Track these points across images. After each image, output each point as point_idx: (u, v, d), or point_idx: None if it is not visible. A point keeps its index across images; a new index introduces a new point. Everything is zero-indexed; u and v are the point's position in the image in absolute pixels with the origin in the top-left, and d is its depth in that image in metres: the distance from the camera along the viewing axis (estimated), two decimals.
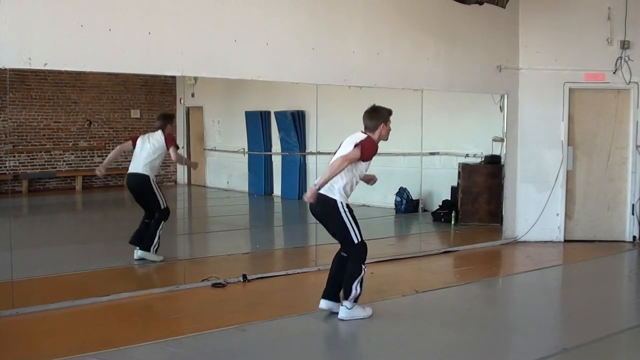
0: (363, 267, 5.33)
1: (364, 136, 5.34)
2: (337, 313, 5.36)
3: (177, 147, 7.56)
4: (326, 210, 5.34)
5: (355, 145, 5.24)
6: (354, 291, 5.28)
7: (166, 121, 7.60)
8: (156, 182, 7.48)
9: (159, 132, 7.47)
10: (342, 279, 5.41)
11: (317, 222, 5.65)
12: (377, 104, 5.52)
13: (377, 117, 5.40)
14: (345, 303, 5.32)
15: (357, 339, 5.22)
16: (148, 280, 6.99)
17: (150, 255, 7.32)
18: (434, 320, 5.60)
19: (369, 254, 5.46)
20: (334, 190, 5.27)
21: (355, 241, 5.31)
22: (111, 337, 4.94)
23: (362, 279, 5.31)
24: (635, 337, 5.28)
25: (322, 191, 5.26)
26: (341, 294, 5.42)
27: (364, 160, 5.30)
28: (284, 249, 9.12)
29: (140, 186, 7.42)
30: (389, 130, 5.46)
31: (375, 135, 5.38)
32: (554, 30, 8.76)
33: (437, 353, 4.78)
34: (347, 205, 5.32)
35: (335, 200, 5.26)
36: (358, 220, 5.39)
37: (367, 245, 5.38)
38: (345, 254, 5.44)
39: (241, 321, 5.26)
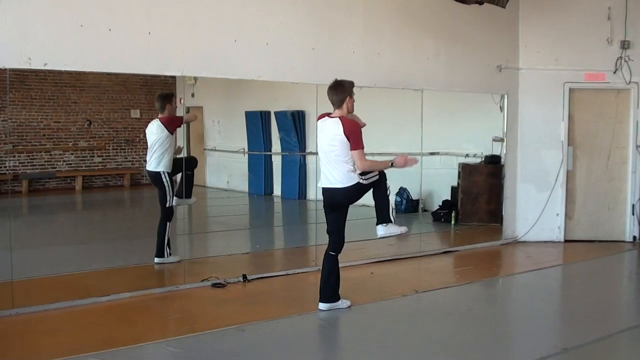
0: (388, 187, 5.57)
1: (338, 122, 5.35)
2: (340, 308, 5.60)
3: (180, 124, 7.41)
4: (349, 196, 5.48)
5: (348, 138, 5.31)
6: (391, 211, 5.54)
7: (165, 102, 7.31)
8: (169, 176, 7.30)
9: (156, 121, 7.29)
10: (335, 280, 5.52)
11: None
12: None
13: (342, 91, 5.44)
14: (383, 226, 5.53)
15: (357, 339, 5.21)
16: (148, 280, 6.98)
17: (166, 259, 7.27)
18: (434, 320, 5.60)
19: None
20: (353, 178, 5.39)
21: (377, 177, 5.46)
22: (111, 337, 4.94)
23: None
24: (635, 337, 5.28)
25: (336, 185, 5.40)
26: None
27: (361, 148, 5.37)
28: (284, 249, 9.11)
29: (155, 182, 7.34)
30: (354, 102, 5.51)
31: (344, 112, 5.44)
32: (554, 30, 8.76)
33: (437, 353, 4.78)
34: (359, 174, 5.46)
35: (358, 183, 5.41)
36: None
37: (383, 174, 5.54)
38: (333, 253, 5.54)
39: (241, 321, 5.26)
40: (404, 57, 7.80)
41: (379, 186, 5.51)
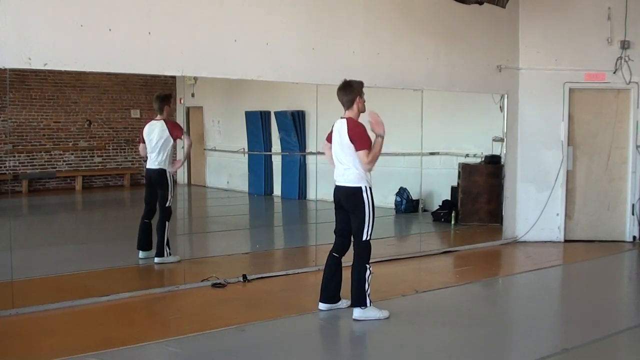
0: (368, 266, 5.31)
1: (344, 122, 5.33)
2: (340, 308, 5.52)
3: (180, 136, 7.40)
4: (349, 197, 5.33)
5: (352, 141, 5.24)
6: (367, 288, 5.28)
7: (163, 103, 7.34)
8: (171, 175, 7.39)
9: (160, 122, 7.33)
10: (337, 282, 5.49)
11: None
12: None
13: (351, 91, 5.41)
14: (361, 309, 5.31)
15: (356, 339, 5.22)
16: (148, 280, 6.99)
17: (166, 259, 7.27)
18: (434, 320, 5.59)
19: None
20: (361, 179, 5.29)
21: (365, 238, 5.31)
22: (111, 337, 4.94)
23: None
24: (635, 337, 5.28)
25: (345, 183, 5.31)
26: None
27: (366, 148, 5.23)
28: (284, 249, 9.11)
29: (157, 180, 7.35)
30: (364, 102, 5.46)
31: (354, 112, 5.40)
32: (554, 30, 8.76)
33: (437, 353, 4.78)
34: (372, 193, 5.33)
35: (360, 189, 5.28)
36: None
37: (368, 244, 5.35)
38: (336, 255, 5.49)
39: (241, 321, 5.26)
40: (404, 57, 7.80)
41: (358, 257, 5.29)
